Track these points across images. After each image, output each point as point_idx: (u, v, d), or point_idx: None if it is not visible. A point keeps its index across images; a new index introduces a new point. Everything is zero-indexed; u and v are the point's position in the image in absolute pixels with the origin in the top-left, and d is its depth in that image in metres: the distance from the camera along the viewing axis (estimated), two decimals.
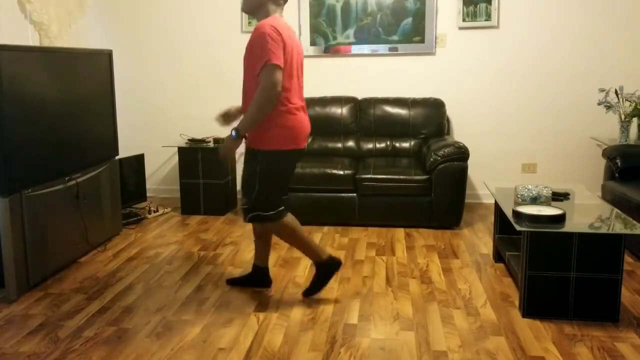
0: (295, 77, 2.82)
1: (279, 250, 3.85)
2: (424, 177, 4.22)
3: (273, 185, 2.88)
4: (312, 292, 3.09)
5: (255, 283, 3.25)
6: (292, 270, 3.48)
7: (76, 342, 2.62)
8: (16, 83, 3.02)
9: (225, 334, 2.70)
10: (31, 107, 3.16)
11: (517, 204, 3.07)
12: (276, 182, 2.89)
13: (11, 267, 3.04)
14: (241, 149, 4.28)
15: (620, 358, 2.45)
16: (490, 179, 4.67)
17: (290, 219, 2.98)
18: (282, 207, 2.93)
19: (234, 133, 2.74)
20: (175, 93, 5.23)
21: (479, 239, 4.08)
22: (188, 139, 4.79)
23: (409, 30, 4.87)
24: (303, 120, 2.88)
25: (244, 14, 4.98)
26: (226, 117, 3.07)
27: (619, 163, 4.00)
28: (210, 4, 5.05)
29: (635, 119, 4.53)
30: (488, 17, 4.79)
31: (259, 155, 2.84)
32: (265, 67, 2.64)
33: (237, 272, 3.47)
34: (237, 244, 4.00)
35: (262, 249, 3.20)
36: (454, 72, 4.93)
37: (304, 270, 3.49)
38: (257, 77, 2.70)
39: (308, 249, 3.03)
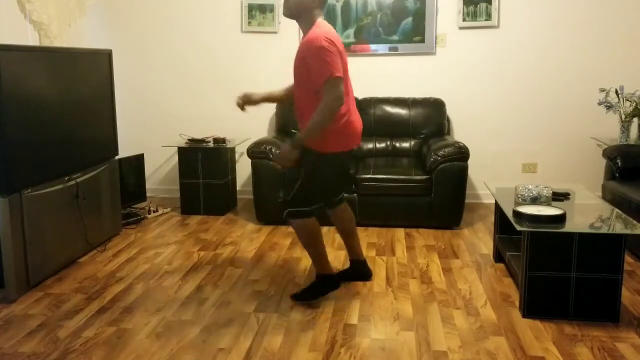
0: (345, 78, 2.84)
1: (279, 250, 3.85)
2: (424, 177, 4.21)
3: (319, 186, 2.92)
4: (300, 298, 3.01)
5: (356, 277, 3.29)
6: (292, 270, 3.48)
7: (76, 342, 2.62)
8: (16, 83, 3.02)
9: (225, 334, 2.70)
10: (31, 107, 3.16)
11: (517, 204, 3.07)
12: (323, 183, 2.95)
13: (11, 267, 3.04)
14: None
15: (620, 358, 2.45)
16: (490, 179, 4.67)
17: (317, 223, 2.97)
18: (318, 206, 2.98)
19: (291, 142, 2.81)
20: (175, 93, 5.22)
21: (479, 239, 4.07)
22: (188, 139, 4.79)
23: (409, 30, 4.87)
24: (356, 122, 2.94)
25: (243, 14, 4.98)
26: (246, 100, 3.10)
27: (619, 163, 4.00)
28: (210, 4, 5.04)
29: (635, 119, 4.53)
30: (488, 16, 4.78)
31: (310, 154, 2.85)
32: (328, 82, 2.67)
33: (238, 272, 3.47)
34: (237, 244, 4.00)
35: (351, 242, 3.26)
36: (454, 72, 4.93)
37: (304, 270, 3.49)
38: (316, 91, 2.74)
39: (319, 259, 3.02)
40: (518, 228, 2.74)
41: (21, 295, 3.11)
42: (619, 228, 2.78)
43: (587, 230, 2.74)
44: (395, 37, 4.89)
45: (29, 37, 4.03)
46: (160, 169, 5.36)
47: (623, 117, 4.44)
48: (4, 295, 3.07)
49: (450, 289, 3.20)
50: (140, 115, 5.26)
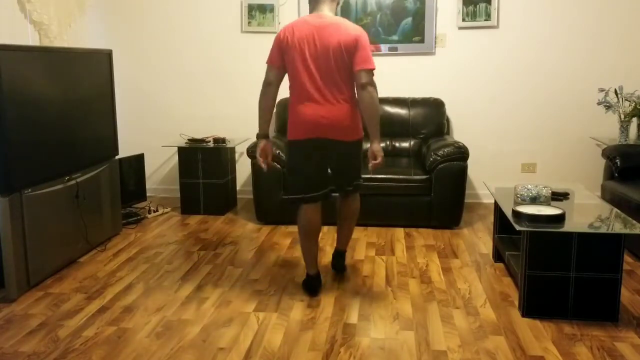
0: (302, 70, 2.98)
1: (279, 250, 3.85)
2: (424, 177, 4.22)
3: (289, 172, 3.18)
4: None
5: (333, 264, 3.48)
6: (292, 270, 3.49)
7: (76, 342, 2.63)
8: (16, 83, 3.02)
9: (225, 334, 2.70)
10: (31, 107, 3.16)
11: (516, 203, 3.08)
12: (290, 170, 3.14)
13: (11, 267, 3.04)
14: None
15: (619, 358, 2.46)
16: (490, 179, 4.68)
17: (305, 219, 3.08)
18: (299, 197, 3.06)
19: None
20: (175, 93, 5.23)
21: (478, 238, 4.08)
22: (188, 139, 4.79)
23: (409, 30, 4.87)
24: (307, 112, 2.97)
25: (243, 14, 4.98)
26: (266, 156, 3.13)
27: (618, 163, 4.01)
28: (210, 4, 5.04)
29: (634, 119, 4.53)
30: (488, 17, 4.79)
31: None
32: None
33: (238, 271, 3.47)
34: (237, 243, 4.01)
35: (340, 231, 3.41)
36: (453, 72, 4.93)
37: (304, 270, 3.49)
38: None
39: (305, 256, 3.18)
40: (517, 228, 2.74)
41: (21, 295, 3.12)
42: (618, 228, 2.78)
43: (586, 230, 2.75)
44: (394, 37, 4.89)
45: (29, 37, 4.03)
46: (160, 169, 5.36)
47: (622, 117, 4.45)
48: (4, 294, 3.08)
49: (449, 288, 3.21)
50: (140, 115, 5.27)
